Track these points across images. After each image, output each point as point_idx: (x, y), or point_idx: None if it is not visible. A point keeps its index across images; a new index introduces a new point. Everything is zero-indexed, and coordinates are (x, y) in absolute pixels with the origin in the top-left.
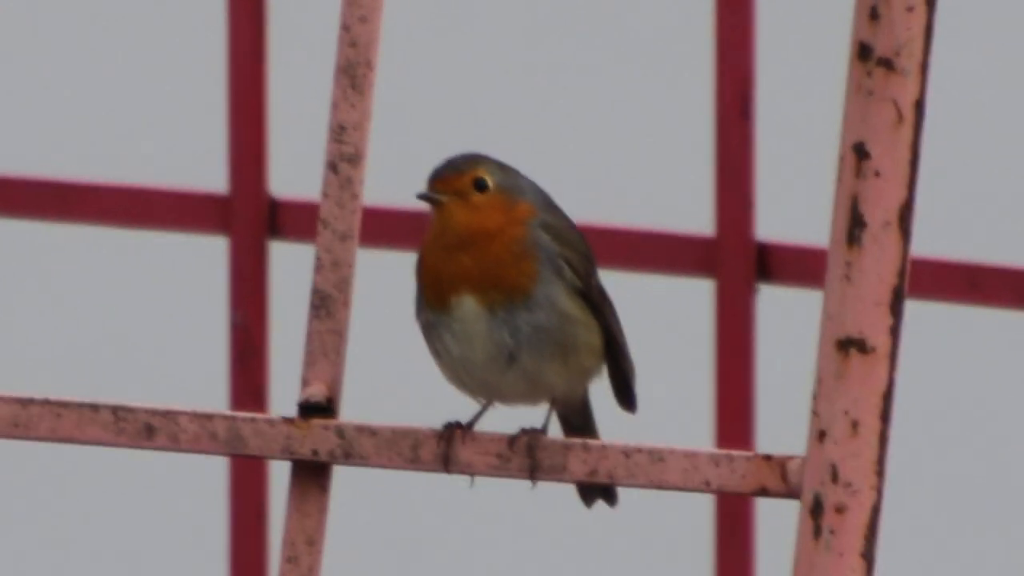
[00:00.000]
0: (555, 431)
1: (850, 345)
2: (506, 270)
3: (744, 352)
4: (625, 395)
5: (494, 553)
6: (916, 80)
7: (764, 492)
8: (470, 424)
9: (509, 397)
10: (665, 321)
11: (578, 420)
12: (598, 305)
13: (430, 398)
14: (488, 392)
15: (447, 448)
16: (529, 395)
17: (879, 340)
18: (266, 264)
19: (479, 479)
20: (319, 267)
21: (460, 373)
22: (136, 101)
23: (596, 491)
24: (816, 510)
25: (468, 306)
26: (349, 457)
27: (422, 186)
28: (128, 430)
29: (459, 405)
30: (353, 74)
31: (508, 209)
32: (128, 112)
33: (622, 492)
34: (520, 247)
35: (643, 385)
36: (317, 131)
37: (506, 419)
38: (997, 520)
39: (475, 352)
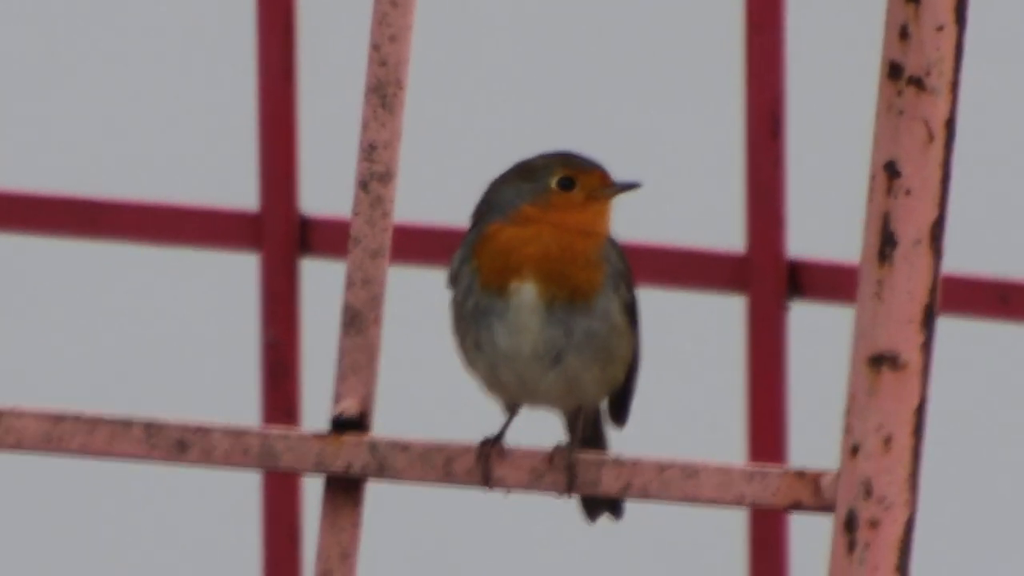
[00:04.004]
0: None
1: (882, 361)
2: (577, 271)
3: (776, 368)
4: (621, 410)
5: (527, 568)
6: (946, 98)
7: (798, 507)
8: (500, 438)
9: (542, 398)
10: (698, 337)
11: (591, 430)
12: (635, 322)
13: (461, 413)
14: (522, 392)
15: (485, 466)
16: (563, 398)
17: (911, 356)
18: (297, 281)
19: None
20: (350, 284)
21: (499, 368)
22: (168, 119)
23: (602, 505)
24: (850, 525)
25: (527, 295)
26: (382, 472)
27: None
28: (160, 445)
29: (489, 420)
30: (383, 93)
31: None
32: (160, 130)
33: (657, 507)
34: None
35: (677, 401)
36: (348, 149)
37: (528, 428)
38: None
39: (524, 346)
